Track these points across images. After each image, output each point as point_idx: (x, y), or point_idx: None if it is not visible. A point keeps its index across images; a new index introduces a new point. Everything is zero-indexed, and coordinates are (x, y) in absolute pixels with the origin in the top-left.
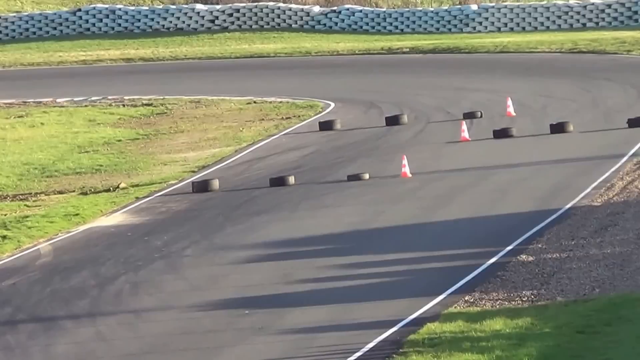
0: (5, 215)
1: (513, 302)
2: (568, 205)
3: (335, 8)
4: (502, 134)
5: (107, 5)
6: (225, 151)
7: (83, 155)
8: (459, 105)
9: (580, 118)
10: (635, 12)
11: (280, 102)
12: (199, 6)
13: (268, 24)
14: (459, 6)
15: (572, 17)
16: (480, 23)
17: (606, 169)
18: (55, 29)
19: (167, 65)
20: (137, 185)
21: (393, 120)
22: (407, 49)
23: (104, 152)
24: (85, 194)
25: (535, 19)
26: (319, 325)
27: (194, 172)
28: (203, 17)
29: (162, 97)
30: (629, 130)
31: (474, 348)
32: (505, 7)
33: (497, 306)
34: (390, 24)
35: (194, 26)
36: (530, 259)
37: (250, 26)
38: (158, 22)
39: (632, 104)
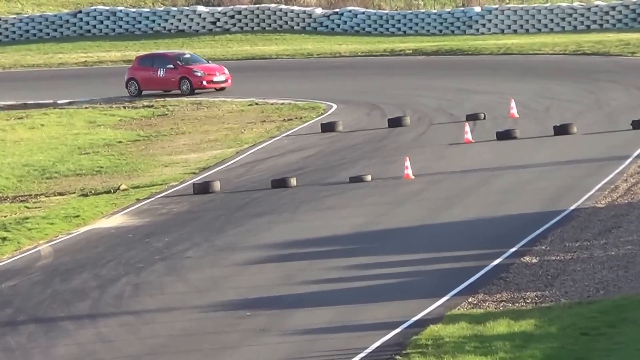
0: (5, 216)
1: (517, 304)
2: (572, 207)
3: (337, 10)
4: (505, 135)
5: (108, 7)
6: (226, 153)
7: (83, 157)
8: (462, 107)
9: (584, 120)
10: None
11: (282, 103)
12: (201, 8)
13: (270, 25)
14: (462, 8)
15: (576, 19)
16: (484, 25)
17: (610, 171)
18: (55, 30)
19: None
20: (137, 187)
21: (395, 122)
22: (410, 51)
23: (104, 154)
24: (85, 195)
25: (539, 20)
26: (322, 327)
27: (194, 173)
28: (204, 18)
29: (163, 99)
30: (633, 132)
31: (477, 350)
32: (509, 9)
33: (501, 308)
34: (393, 25)
35: (195, 28)
36: (534, 260)
37: (252, 28)
38: (159, 24)
39: (636, 106)
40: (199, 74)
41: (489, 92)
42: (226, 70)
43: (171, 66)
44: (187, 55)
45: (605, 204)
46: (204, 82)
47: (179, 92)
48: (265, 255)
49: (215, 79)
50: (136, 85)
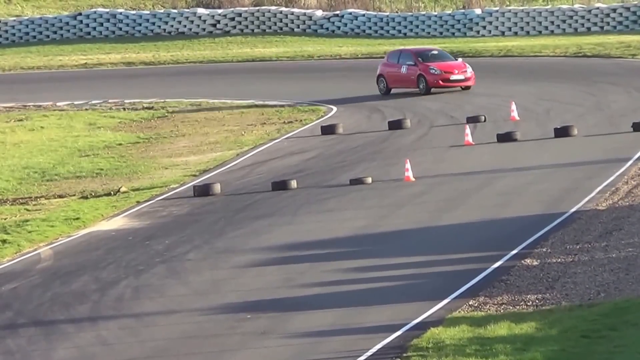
0: (5, 219)
1: (517, 307)
2: (573, 209)
3: (337, 12)
4: (506, 138)
5: (107, 9)
6: (226, 155)
7: (83, 159)
8: (463, 109)
9: (584, 122)
10: None
11: (282, 105)
12: (201, 10)
13: (270, 28)
14: (463, 10)
15: (576, 21)
16: (484, 27)
17: (611, 173)
18: (55, 32)
19: (169, 68)
20: (138, 189)
21: (396, 125)
22: None
23: (104, 156)
24: (85, 197)
25: (540, 23)
26: (322, 330)
27: (195, 176)
28: (205, 21)
29: (163, 101)
30: (633, 134)
31: (478, 352)
32: (509, 11)
33: (502, 311)
34: (394, 28)
35: (195, 30)
36: (535, 263)
37: (252, 30)
38: (159, 27)
39: (637, 108)
40: (434, 72)
41: (490, 94)
42: (469, 69)
43: (412, 63)
44: (435, 52)
45: (606, 206)
46: (440, 81)
47: (417, 90)
48: (265, 257)
49: (452, 77)
50: (384, 82)
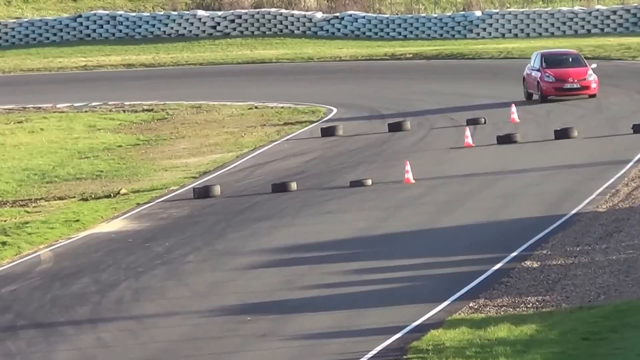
0: (5, 221)
1: (518, 309)
2: (573, 211)
3: (338, 14)
4: (506, 139)
5: (107, 11)
6: (226, 157)
7: (83, 161)
8: (463, 111)
9: (584, 124)
10: None
11: (282, 107)
12: (201, 12)
13: (270, 30)
14: (463, 12)
15: (576, 23)
16: (484, 29)
17: (611, 175)
18: (55, 34)
19: (168, 70)
20: (137, 191)
21: (396, 127)
22: (411, 55)
23: (104, 158)
24: (85, 199)
25: (540, 25)
26: (322, 332)
27: (195, 177)
28: (205, 23)
29: (162, 103)
30: (633, 136)
31: (478, 355)
32: (510, 13)
33: (502, 313)
34: (394, 30)
35: (195, 32)
36: (535, 265)
37: (252, 32)
38: (159, 28)
39: (637, 110)
40: (548, 79)
41: (490, 96)
42: (590, 76)
43: (537, 67)
44: (565, 56)
45: (606, 208)
46: (554, 89)
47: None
48: (265, 259)
49: (566, 86)
50: (526, 86)
